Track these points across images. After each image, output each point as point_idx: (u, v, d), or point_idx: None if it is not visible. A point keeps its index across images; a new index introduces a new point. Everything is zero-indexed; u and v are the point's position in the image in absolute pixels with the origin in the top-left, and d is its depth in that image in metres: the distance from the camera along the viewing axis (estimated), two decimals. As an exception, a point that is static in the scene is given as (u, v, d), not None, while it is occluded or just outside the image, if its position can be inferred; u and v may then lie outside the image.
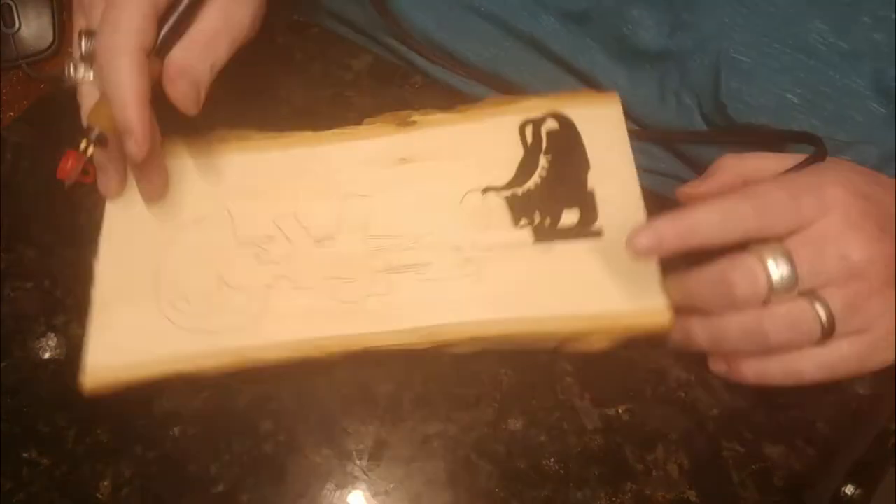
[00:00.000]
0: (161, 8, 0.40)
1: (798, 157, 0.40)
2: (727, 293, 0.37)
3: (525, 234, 0.44)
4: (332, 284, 0.43)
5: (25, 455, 0.41)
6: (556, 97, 0.47)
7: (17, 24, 1.02)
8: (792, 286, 0.36)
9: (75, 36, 0.42)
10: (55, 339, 0.45)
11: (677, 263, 0.39)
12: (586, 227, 0.43)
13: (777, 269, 0.36)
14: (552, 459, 0.40)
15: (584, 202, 0.44)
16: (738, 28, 0.46)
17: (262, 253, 0.44)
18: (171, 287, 0.43)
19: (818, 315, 0.36)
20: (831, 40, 0.43)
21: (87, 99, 0.43)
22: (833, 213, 0.37)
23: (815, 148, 0.41)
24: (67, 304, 0.46)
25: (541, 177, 0.45)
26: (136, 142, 0.40)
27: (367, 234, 0.45)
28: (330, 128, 0.47)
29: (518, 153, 0.46)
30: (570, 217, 0.44)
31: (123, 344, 0.42)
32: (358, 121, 0.48)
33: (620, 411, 0.40)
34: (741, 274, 0.37)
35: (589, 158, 0.45)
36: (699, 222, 0.38)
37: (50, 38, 1.07)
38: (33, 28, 1.01)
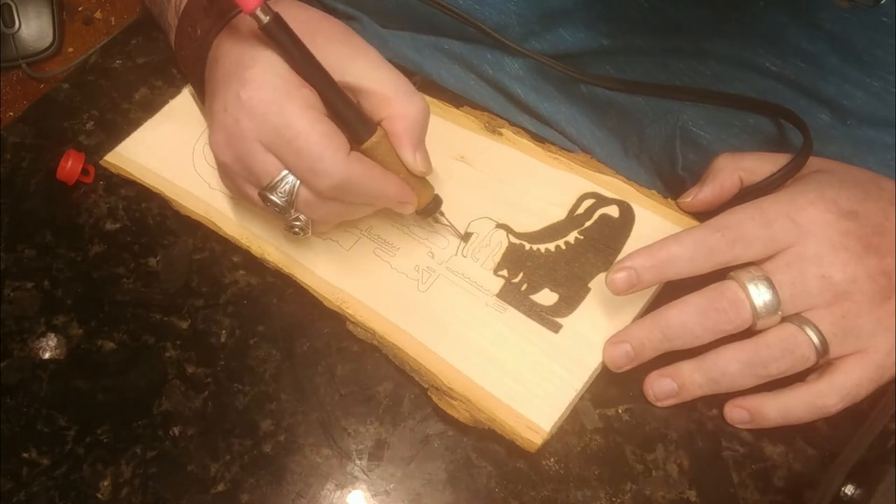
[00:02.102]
0: (322, 108, 0.38)
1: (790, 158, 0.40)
2: (717, 321, 0.37)
3: (495, 283, 0.43)
4: None
5: (25, 455, 0.41)
6: (645, 192, 0.44)
7: (17, 24, 1.02)
8: (774, 310, 0.37)
9: (256, 198, 0.40)
10: (55, 339, 0.45)
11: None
12: (551, 316, 0.42)
13: (759, 295, 0.37)
14: (552, 459, 0.39)
15: (571, 294, 0.42)
16: (698, 105, 0.46)
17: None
18: None
19: (810, 339, 0.37)
20: (792, 126, 0.43)
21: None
22: (812, 235, 0.37)
23: (802, 139, 0.41)
24: (67, 304, 0.46)
25: (557, 247, 0.44)
26: (412, 204, 0.41)
27: None
28: None
29: (559, 215, 0.45)
30: (546, 297, 0.42)
31: (151, 150, 0.50)
32: (456, 102, 0.49)
33: (620, 411, 0.40)
34: (729, 302, 0.37)
35: (615, 262, 0.41)
36: (673, 255, 0.38)
37: (50, 38, 1.07)
38: (33, 28, 1.01)
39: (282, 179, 0.38)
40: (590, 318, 0.41)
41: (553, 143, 0.48)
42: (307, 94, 0.38)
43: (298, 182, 0.38)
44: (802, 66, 0.42)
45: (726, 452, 0.39)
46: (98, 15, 1.11)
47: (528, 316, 0.42)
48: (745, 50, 0.43)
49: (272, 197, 0.38)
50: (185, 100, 0.52)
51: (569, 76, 0.48)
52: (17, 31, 0.99)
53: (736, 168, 0.42)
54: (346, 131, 0.39)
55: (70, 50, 1.10)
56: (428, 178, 0.42)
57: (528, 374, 0.40)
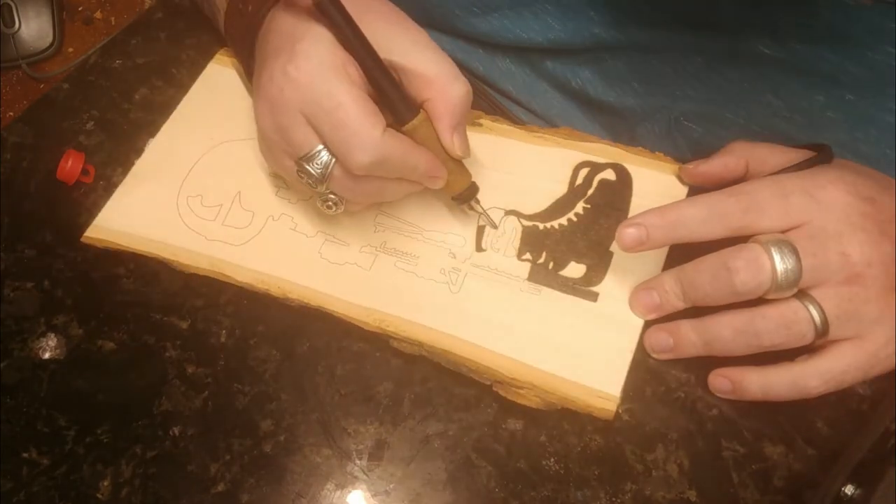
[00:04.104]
0: (366, 87, 0.39)
1: (807, 154, 0.40)
2: (727, 280, 0.37)
3: (523, 268, 0.43)
4: (324, 240, 0.45)
5: (25, 455, 0.41)
6: (632, 150, 0.45)
7: (17, 24, 1.02)
8: (795, 280, 0.36)
9: (292, 169, 0.40)
10: (55, 339, 0.45)
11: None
12: (585, 286, 0.42)
13: (782, 261, 0.36)
14: (552, 459, 0.40)
15: (597, 261, 0.43)
16: (689, 99, 0.46)
17: (283, 186, 0.47)
18: (196, 182, 0.49)
19: (812, 317, 0.36)
20: (786, 115, 0.43)
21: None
22: (832, 212, 0.37)
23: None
24: (67, 304, 0.46)
25: (569, 220, 0.44)
26: (441, 178, 0.42)
27: (381, 210, 0.46)
28: None
29: (561, 190, 0.45)
30: (574, 270, 0.43)
31: (132, 215, 0.48)
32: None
33: (620, 411, 0.40)
34: (744, 262, 0.36)
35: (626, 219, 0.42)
36: (685, 216, 0.38)
37: (50, 38, 1.07)
38: (33, 28, 1.01)
39: (318, 152, 0.39)
40: (622, 279, 0.42)
41: (532, 123, 0.48)
42: (352, 71, 0.38)
43: (333, 159, 0.39)
44: (798, 47, 0.42)
45: (726, 452, 0.39)
46: (98, 15, 1.11)
47: (564, 291, 0.42)
48: (737, 36, 0.43)
49: (308, 167, 0.39)
50: (151, 157, 0.50)
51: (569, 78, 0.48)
52: (17, 31, 1.00)
53: (746, 153, 0.42)
54: (389, 112, 0.39)
55: (70, 50, 1.10)
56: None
57: (582, 347, 0.40)
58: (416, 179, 0.41)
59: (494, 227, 0.45)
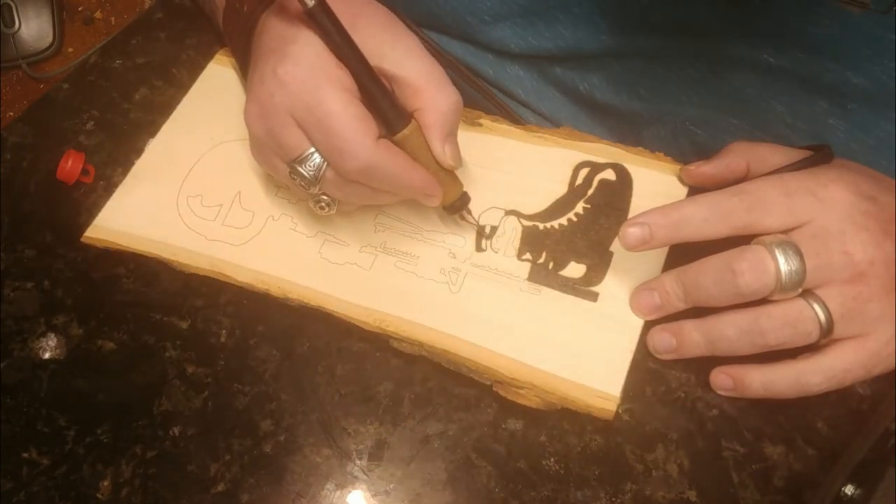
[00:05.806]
0: (356, 91, 0.39)
1: (807, 153, 0.40)
2: (732, 282, 0.37)
3: (523, 268, 0.43)
4: (324, 240, 0.45)
5: (25, 455, 0.41)
6: (632, 150, 0.45)
7: (17, 24, 1.02)
8: (800, 281, 0.36)
9: (284, 171, 0.40)
10: (55, 339, 0.45)
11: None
12: (585, 286, 0.42)
13: (786, 262, 0.36)
14: (552, 459, 0.40)
15: (597, 261, 0.43)
16: (694, 105, 0.46)
17: (283, 186, 0.47)
18: (196, 182, 0.48)
19: (816, 315, 0.36)
20: (789, 121, 0.44)
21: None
22: (835, 210, 0.37)
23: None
24: (67, 304, 0.46)
25: (569, 220, 0.44)
26: (437, 197, 0.41)
27: (381, 210, 0.46)
28: None
29: (561, 190, 0.45)
30: (574, 270, 0.43)
31: (132, 215, 0.48)
32: None
33: (620, 411, 0.40)
34: (748, 264, 0.37)
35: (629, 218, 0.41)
36: (688, 215, 0.38)
37: (50, 38, 1.07)
38: (33, 28, 1.02)
39: (310, 155, 0.39)
40: (622, 279, 0.42)
41: (533, 123, 0.48)
42: (342, 76, 0.38)
43: (326, 161, 0.39)
44: (801, 56, 0.42)
45: (726, 452, 0.39)
46: (98, 15, 1.11)
47: (564, 291, 0.42)
48: (743, 45, 0.43)
49: (300, 169, 0.39)
50: (151, 157, 0.50)
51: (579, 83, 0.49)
52: (17, 31, 1.00)
53: (747, 153, 0.42)
54: (380, 120, 0.39)
55: (70, 50, 1.10)
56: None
57: (582, 347, 0.40)
58: (411, 196, 0.41)
59: (486, 237, 0.44)
